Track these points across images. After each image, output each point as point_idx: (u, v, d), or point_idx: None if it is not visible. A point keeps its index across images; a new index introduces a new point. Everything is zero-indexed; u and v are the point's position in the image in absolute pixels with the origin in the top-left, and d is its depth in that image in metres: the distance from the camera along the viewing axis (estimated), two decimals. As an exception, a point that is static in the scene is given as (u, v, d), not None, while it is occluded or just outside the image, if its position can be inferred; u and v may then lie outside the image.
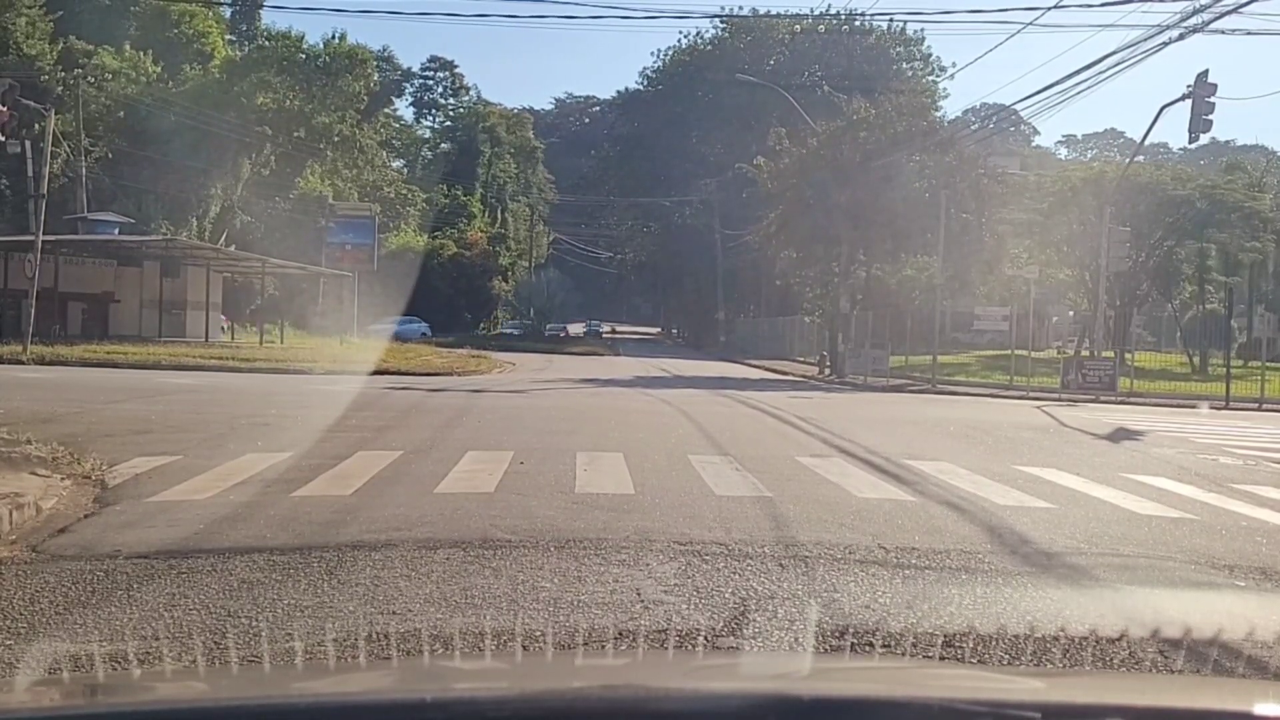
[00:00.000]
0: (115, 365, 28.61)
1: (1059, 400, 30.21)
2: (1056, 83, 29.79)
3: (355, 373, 30.21)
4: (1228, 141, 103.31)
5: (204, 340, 40.86)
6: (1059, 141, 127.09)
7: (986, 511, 9.84)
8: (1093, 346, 36.26)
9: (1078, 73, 27.91)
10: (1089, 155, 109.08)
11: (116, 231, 42.48)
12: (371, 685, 2.79)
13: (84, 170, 47.00)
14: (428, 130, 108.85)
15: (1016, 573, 7.38)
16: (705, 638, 5.85)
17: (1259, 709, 2.23)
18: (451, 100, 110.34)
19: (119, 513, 9.02)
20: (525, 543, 7.92)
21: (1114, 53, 26.75)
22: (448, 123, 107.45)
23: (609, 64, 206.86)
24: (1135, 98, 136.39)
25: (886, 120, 42.08)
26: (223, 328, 48.51)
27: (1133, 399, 31.27)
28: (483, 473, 11.33)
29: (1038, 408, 26.55)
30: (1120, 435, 18.75)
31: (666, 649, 5.48)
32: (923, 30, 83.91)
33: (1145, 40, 24.75)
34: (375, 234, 57.36)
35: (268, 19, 74.27)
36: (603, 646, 5.65)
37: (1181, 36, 23.57)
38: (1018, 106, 52.30)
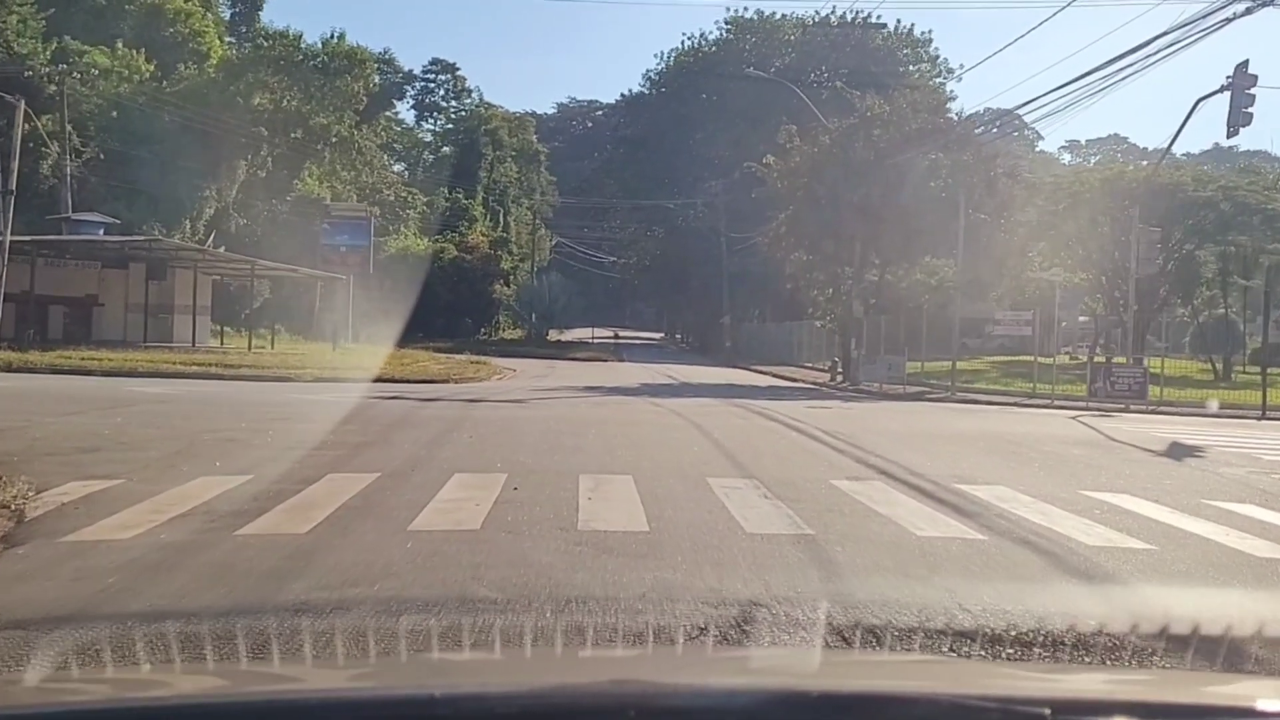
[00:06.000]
0: (88, 373, 26.84)
1: (1087, 409, 28.64)
2: (1089, 73, 27.98)
3: (345, 380, 28.68)
4: (1231, 147, 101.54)
5: (191, 346, 39.09)
6: (1062, 147, 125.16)
7: (1075, 555, 8.16)
8: (1127, 353, 34.52)
9: (1114, 61, 26.09)
10: (1093, 161, 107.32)
11: (102, 232, 40.85)
12: (380, 682, 2.69)
13: (69, 169, 45.36)
14: (429, 133, 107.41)
15: (1166, 662, 5.58)
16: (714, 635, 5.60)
17: (1261, 704, 2.18)
18: (453, 103, 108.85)
19: (20, 558, 7.39)
20: (514, 603, 6.24)
21: (1155, 37, 24.99)
22: (449, 125, 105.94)
23: (612, 67, 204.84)
24: (1139, 103, 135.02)
25: (901, 117, 40.40)
26: (211, 332, 46.77)
27: (1164, 408, 29.60)
28: (469, 502, 9.65)
29: (1073, 418, 24.90)
30: (1179, 452, 17.03)
31: (675, 646, 5.29)
32: (930, 31, 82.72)
33: (1201, 19, 22.97)
34: (371, 235, 55.45)
35: (266, 18, 73.07)
36: (611, 644, 5.36)
37: (1227, 21, 21.90)
38: (1036, 103, 50.89)
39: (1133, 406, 29.48)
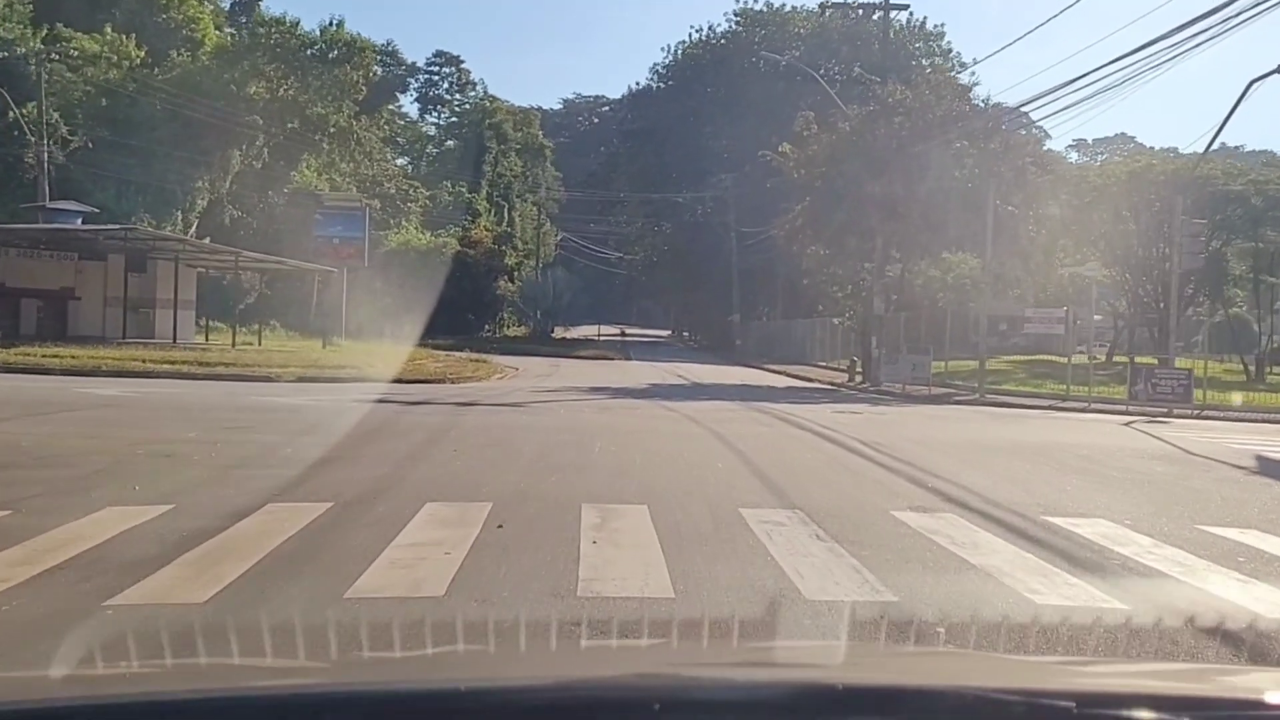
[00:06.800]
0: (46, 371, 24.51)
1: (1128, 413, 26.48)
2: (1147, 45, 25.45)
3: (330, 380, 26.63)
4: (1237, 147, 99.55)
5: (172, 342, 36.76)
6: (1069, 146, 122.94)
7: (1269, 638, 5.93)
8: (1168, 352, 32.25)
9: (1180, 29, 23.82)
10: (1099, 159, 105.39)
11: (80, 222, 38.60)
12: (405, 675, 2.57)
13: (45, 156, 43.24)
14: (433, 127, 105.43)
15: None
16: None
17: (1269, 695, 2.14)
18: (457, 96, 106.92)
19: None
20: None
21: (1225, 4, 22.70)
22: (453, 119, 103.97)
23: (619, 63, 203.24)
24: (1144, 103, 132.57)
25: (924, 104, 38.11)
26: (197, 328, 44.40)
27: (1208, 412, 27.46)
28: (437, 549, 7.41)
29: (1125, 424, 22.73)
30: (1273, 469, 14.71)
31: (700, 639, 4.99)
32: (943, 25, 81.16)
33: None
34: (367, 227, 52.80)
35: (265, 6, 71.08)
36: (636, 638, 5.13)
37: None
38: (1070, 87, 48.16)
39: (1176, 411, 27.32)
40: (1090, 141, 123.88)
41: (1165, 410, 27.31)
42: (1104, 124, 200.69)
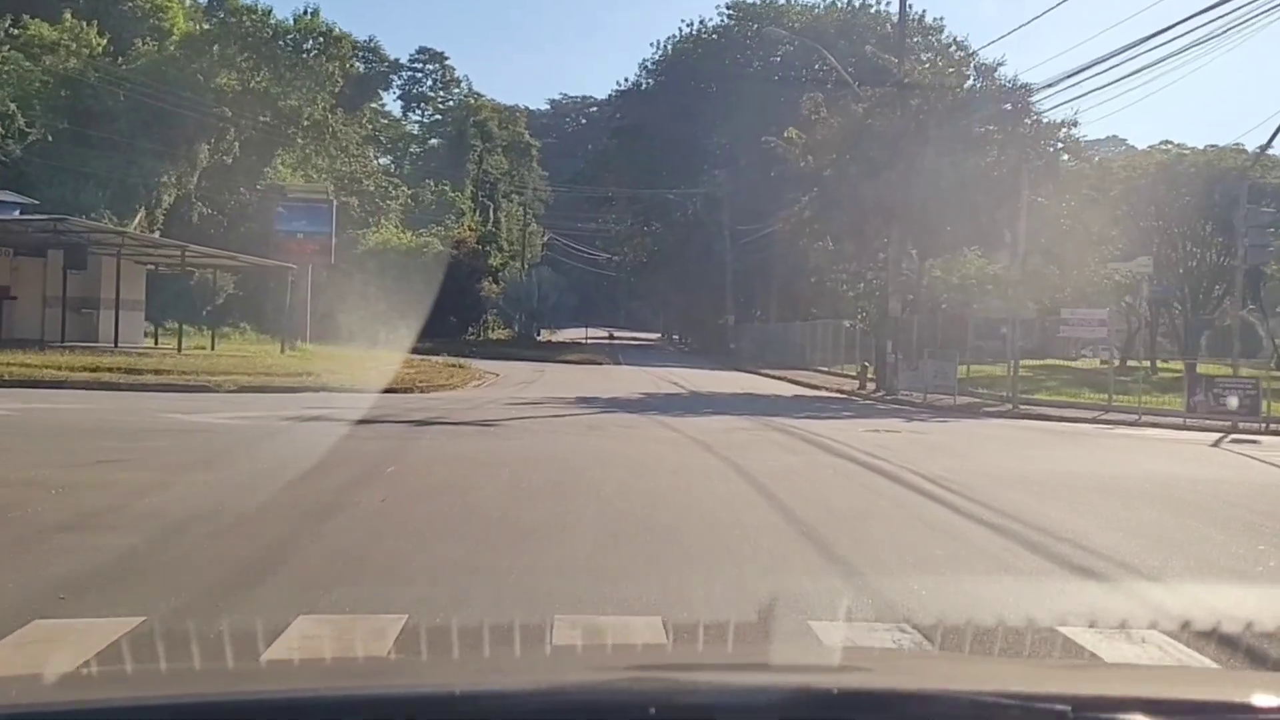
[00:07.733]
0: (-68, 384, 20.85)
1: (1187, 426, 23.42)
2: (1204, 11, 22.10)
3: (279, 390, 23.46)
4: (1237, 145, 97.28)
5: (113, 346, 33.04)
6: (1061, 147, 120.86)
7: None
8: (1233, 359, 28.94)
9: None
10: (1093, 161, 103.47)
11: (18, 213, 35.07)
12: (401, 680, 2.58)
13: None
14: (416, 125, 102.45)
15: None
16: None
17: (1259, 699, 2.15)
18: (441, 93, 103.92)
19: None
20: None
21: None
22: (437, 117, 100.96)
23: (606, 64, 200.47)
24: (1135, 106, 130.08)
25: (944, 82, 34.75)
26: (146, 332, 40.61)
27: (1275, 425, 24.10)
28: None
29: (1214, 445, 19.42)
30: None
31: (696, 643, 4.84)
32: (942, 19, 79.82)
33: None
34: (334, 222, 49.11)
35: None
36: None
37: None
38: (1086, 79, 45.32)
39: (1241, 425, 23.95)
40: (1082, 143, 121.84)
41: (1230, 424, 24.03)
42: (1094, 127, 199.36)
